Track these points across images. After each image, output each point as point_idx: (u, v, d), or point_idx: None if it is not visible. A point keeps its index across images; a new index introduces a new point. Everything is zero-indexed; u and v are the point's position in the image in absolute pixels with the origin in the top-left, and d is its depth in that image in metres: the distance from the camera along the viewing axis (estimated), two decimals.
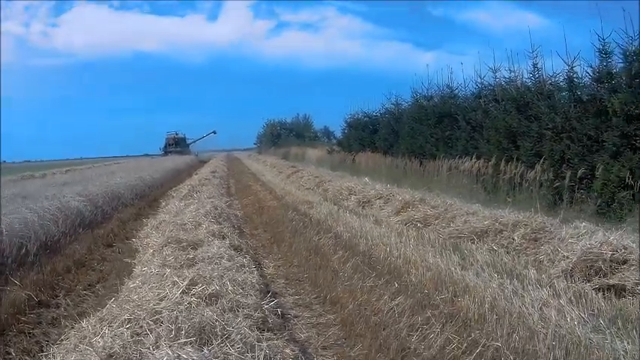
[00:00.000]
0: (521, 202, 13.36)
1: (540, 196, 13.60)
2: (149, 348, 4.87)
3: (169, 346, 4.75)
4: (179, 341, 4.93)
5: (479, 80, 19.91)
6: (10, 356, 6.47)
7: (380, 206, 15.98)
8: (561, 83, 15.28)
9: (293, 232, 12.97)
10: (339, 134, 46.05)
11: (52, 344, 6.04)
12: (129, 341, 5.01)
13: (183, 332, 5.10)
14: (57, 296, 8.93)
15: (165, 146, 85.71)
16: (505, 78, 18.26)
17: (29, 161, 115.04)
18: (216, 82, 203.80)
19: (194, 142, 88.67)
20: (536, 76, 16.43)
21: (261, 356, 4.79)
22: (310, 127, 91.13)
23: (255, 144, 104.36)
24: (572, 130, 13.87)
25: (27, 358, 6.34)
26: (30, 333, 7.23)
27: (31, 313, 7.99)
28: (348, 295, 7.82)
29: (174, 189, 24.99)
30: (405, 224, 12.85)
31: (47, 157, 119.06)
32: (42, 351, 6.22)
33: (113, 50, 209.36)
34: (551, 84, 15.55)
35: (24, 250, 10.30)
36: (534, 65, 16.34)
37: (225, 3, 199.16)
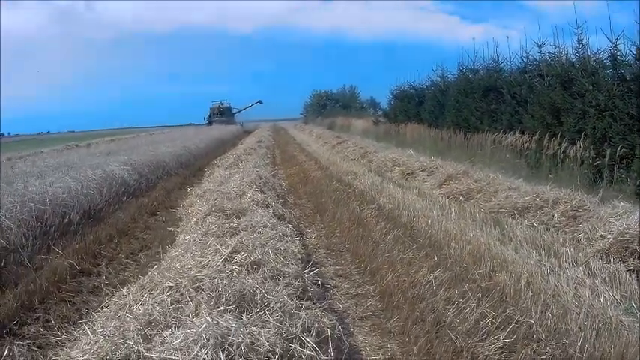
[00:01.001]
0: (562, 179, 13.26)
1: (581, 174, 13.49)
2: (189, 315, 5.01)
3: (209, 313, 4.86)
4: (219, 308, 5.03)
5: (524, 55, 19.74)
6: (50, 323, 6.61)
7: (423, 178, 15.98)
8: (605, 61, 15.06)
9: (336, 203, 13.05)
10: (385, 105, 45.77)
11: (93, 312, 6.17)
12: (169, 308, 5.15)
13: (223, 299, 5.20)
14: (99, 264, 9.11)
15: (210, 116, 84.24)
16: (550, 53, 18.01)
17: (74, 132, 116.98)
18: (263, 51, 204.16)
19: (239, 111, 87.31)
20: (581, 52, 16.17)
21: (299, 324, 4.86)
22: (356, 97, 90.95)
23: (301, 114, 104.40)
24: (614, 108, 13.65)
25: (66, 325, 6.45)
26: (70, 301, 7.40)
27: (73, 281, 8.15)
28: (387, 267, 7.87)
29: (219, 158, 25.15)
30: (448, 197, 12.91)
31: (92, 127, 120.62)
32: (81, 318, 6.35)
33: (159, 21, 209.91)
34: (595, 61, 15.31)
35: (67, 219, 10.52)
36: (579, 41, 16.09)
37: None
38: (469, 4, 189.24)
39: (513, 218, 10.35)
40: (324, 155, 26.74)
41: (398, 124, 33.60)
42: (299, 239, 9.26)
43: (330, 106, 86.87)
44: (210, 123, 79.13)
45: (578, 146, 14.22)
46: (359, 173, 17.66)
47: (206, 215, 9.82)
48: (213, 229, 8.49)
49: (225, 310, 5.01)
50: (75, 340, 5.48)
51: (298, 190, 16.77)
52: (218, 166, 21.01)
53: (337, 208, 12.50)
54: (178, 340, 4.41)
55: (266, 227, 8.57)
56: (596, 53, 15.42)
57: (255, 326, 4.71)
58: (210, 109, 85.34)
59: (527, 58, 19.51)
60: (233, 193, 11.85)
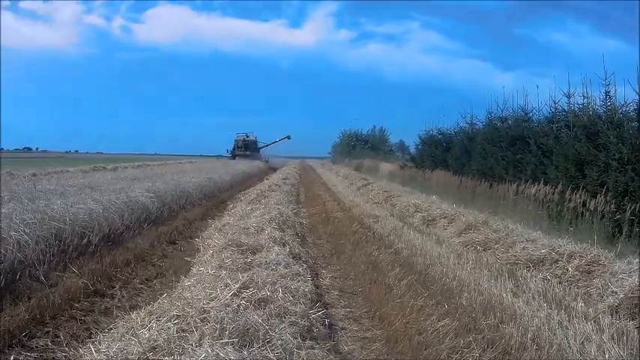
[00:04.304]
0: (582, 232, 13.22)
1: (601, 227, 13.44)
2: (192, 344, 5.08)
3: (211, 345, 4.93)
4: (222, 341, 5.12)
5: (553, 105, 19.66)
6: (59, 339, 6.74)
7: (444, 226, 16.01)
8: (631, 113, 15.04)
9: (354, 245, 13.08)
10: (413, 149, 45.67)
11: (101, 332, 6.25)
12: (174, 336, 5.24)
13: (227, 332, 5.28)
14: (113, 287, 9.24)
15: (234, 149, 79.47)
16: (578, 104, 17.96)
17: (102, 153, 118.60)
18: (295, 87, 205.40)
19: (265, 146, 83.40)
20: (608, 104, 16.12)
21: None
22: (386, 140, 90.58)
23: (329, 153, 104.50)
24: (637, 162, 13.63)
25: (75, 342, 6.56)
26: (81, 320, 7.55)
27: (85, 301, 8.31)
28: (397, 313, 7.88)
29: (243, 192, 25.31)
30: (466, 246, 12.88)
31: (121, 150, 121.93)
32: (90, 338, 6.42)
33: (194, 50, 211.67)
34: (621, 113, 15.29)
35: (86, 240, 10.65)
36: (606, 93, 16.07)
37: (308, 10, 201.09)
38: (503, 51, 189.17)
39: (528, 270, 10.31)
40: (348, 196, 26.84)
41: (424, 169, 33.52)
42: (312, 279, 9.33)
43: (359, 148, 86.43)
44: (233, 157, 75.37)
45: (600, 199, 14.14)
46: (380, 217, 17.69)
47: (222, 249, 9.87)
48: (227, 263, 8.56)
49: (227, 343, 5.08)
50: (80, 357, 5.60)
51: (318, 230, 16.80)
52: (241, 200, 21.15)
53: (355, 250, 12.54)
54: None
55: (280, 265, 8.61)
56: (623, 105, 15.42)
57: None
58: (235, 141, 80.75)
59: (555, 108, 19.47)
60: (252, 228, 11.92)
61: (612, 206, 13.84)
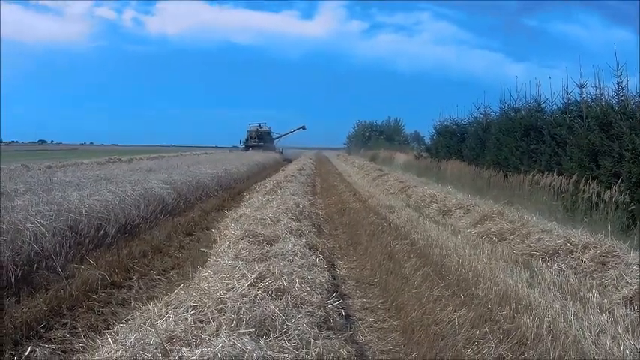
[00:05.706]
0: (597, 223, 13.22)
1: (615, 218, 13.43)
2: (209, 334, 5.13)
3: (228, 335, 4.95)
4: (239, 331, 5.14)
5: (565, 95, 19.57)
6: (77, 330, 6.81)
7: (459, 216, 15.98)
8: None
9: (371, 236, 13.09)
10: (428, 140, 45.52)
11: (118, 323, 6.32)
12: (191, 326, 5.29)
13: (243, 322, 5.32)
14: (130, 278, 9.29)
15: (247, 140, 76.36)
16: (591, 95, 17.91)
17: (117, 145, 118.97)
18: (308, 79, 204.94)
19: (280, 137, 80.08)
20: (620, 94, 16.10)
21: (315, 353, 4.97)
22: (400, 130, 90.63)
23: (344, 144, 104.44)
24: None
25: (92, 333, 6.62)
26: (99, 311, 7.58)
27: (103, 292, 8.36)
28: (413, 303, 7.91)
29: (258, 183, 25.25)
30: (481, 237, 12.85)
31: (136, 142, 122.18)
32: (108, 328, 6.46)
33: (206, 42, 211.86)
34: (634, 104, 15.29)
35: (102, 232, 10.75)
36: (619, 84, 16.04)
37: (319, 1, 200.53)
38: (514, 42, 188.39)
39: (543, 261, 10.28)
40: (364, 187, 26.86)
41: (439, 159, 33.44)
42: (329, 270, 9.36)
43: (374, 138, 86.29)
44: (247, 148, 72.66)
45: (614, 190, 14.14)
46: (396, 207, 17.73)
47: (239, 239, 9.90)
48: (243, 253, 8.59)
49: (244, 333, 5.11)
50: (98, 348, 5.60)
51: (335, 221, 16.83)
52: (257, 191, 21.20)
53: (371, 241, 12.55)
54: (194, 358, 4.57)
55: (296, 256, 8.63)
56: (635, 96, 15.39)
57: (271, 350, 4.83)
58: (248, 132, 77.56)
59: (568, 98, 19.39)
60: (268, 219, 11.94)
61: (626, 197, 13.83)
